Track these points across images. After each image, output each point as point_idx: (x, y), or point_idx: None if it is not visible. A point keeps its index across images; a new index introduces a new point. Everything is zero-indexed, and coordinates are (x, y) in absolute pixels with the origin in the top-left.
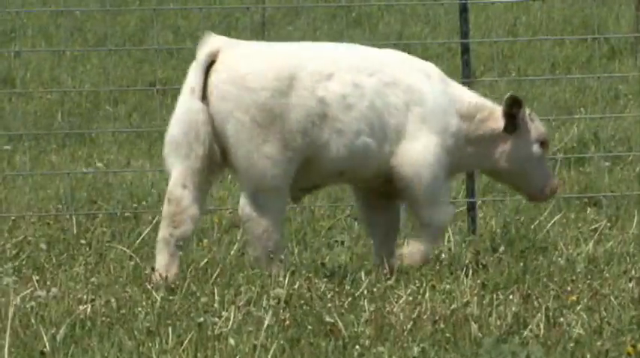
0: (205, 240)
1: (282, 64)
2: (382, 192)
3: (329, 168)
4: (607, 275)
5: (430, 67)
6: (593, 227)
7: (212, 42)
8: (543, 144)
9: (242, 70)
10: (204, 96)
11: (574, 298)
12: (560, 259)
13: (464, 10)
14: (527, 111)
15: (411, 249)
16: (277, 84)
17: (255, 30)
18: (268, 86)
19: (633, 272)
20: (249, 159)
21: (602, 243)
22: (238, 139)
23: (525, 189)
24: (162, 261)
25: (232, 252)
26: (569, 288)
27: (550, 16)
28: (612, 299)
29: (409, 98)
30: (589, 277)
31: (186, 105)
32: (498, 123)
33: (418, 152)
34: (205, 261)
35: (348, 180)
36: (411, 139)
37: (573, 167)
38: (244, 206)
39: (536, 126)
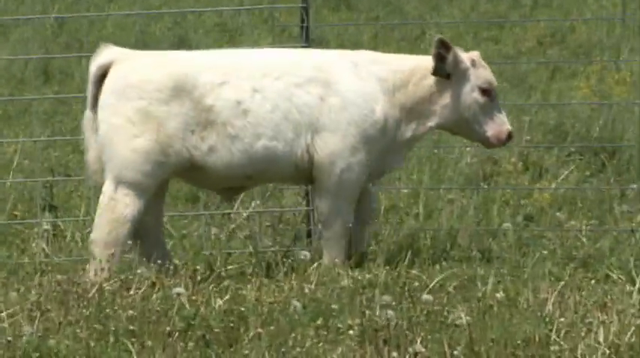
0: None
1: (168, 73)
2: None
3: (229, 172)
4: None
5: (359, 55)
6: None
7: (105, 53)
8: (485, 91)
9: (125, 81)
10: (94, 106)
11: None
12: None
13: None
14: (470, 56)
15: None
16: (157, 94)
17: None
18: (146, 96)
19: None
20: (115, 150)
21: None
22: (107, 136)
23: (477, 137)
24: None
25: None
26: None
27: None
28: None
29: (325, 91)
30: None
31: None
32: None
33: (335, 142)
34: None
35: (266, 181)
36: (330, 130)
37: None
38: (106, 191)
39: (477, 73)
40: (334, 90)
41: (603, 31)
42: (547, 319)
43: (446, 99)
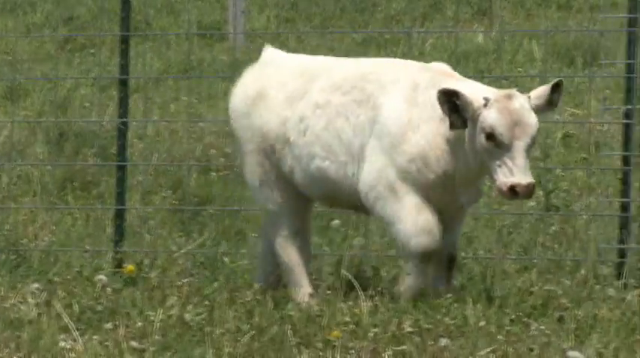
0: None
1: (249, 86)
2: None
3: (309, 194)
4: None
5: (421, 75)
6: None
7: (262, 54)
8: (489, 136)
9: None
10: None
11: None
12: None
13: None
14: (487, 98)
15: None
16: (238, 107)
17: None
18: (233, 108)
19: None
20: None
21: None
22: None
23: (494, 184)
24: None
25: None
26: None
27: None
28: None
29: (373, 115)
30: None
31: None
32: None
33: (366, 173)
34: None
35: (357, 208)
36: (366, 160)
37: None
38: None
39: (484, 115)
40: (378, 115)
41: None
42: None
43: (468, 138)
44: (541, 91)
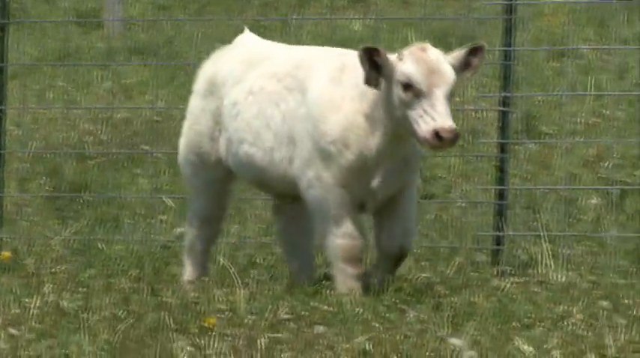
0: None
1: (208, 67)
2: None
3: (240, 177)
4: None
5: (352, 59)
6: None
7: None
8: (407, 86)
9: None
10: None
11: None
12: None
13: None
14: (401, 52)
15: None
16: (198, 86)
17: None
18: (195, 89)
19: None
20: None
21: None
22: None
23: (416, 139)
24: None
25: None
26: None
27: None
28: None
29: (302, 99)
30: None
31: None
32: None
33: (296, 160)
34: None
35: (275, 193)
36: (297, 145)
37: None
38: None
39: (400, 69)
40: (305, 99)
41: None
42: None
43: (383, 100)
44: (457, 53)
